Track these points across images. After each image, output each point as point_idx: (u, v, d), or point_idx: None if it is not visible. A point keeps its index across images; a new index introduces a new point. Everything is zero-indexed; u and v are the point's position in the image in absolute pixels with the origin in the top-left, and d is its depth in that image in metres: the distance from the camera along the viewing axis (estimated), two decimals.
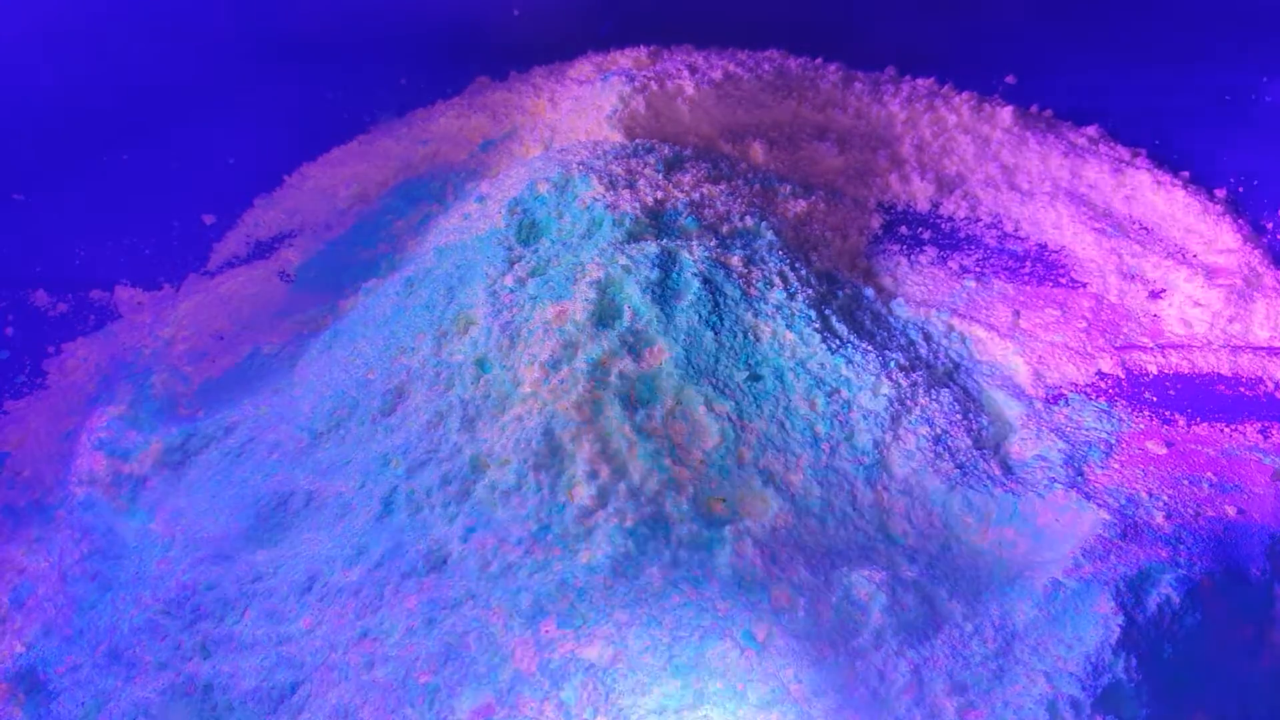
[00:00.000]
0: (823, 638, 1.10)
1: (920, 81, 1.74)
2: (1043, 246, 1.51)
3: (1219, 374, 1.33)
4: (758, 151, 1.61)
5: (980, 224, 1.54)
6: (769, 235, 1.37)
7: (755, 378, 1.23)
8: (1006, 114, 1.66)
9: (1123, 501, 1.16)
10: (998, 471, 1.20)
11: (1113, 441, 1.25)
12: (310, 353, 1.41)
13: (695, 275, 1.27)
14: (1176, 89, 1.71)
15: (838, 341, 1.25)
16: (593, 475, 1.17)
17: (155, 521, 1.25)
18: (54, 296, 1.56)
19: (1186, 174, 1.58)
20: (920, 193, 1.58)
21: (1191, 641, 1.06)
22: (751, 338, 1.24)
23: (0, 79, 1.71)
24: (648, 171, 1.43)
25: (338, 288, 1.54)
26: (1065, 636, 1.07)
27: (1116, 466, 1.21)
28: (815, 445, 1.20)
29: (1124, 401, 1.30)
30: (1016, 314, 1.41)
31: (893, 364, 1.25)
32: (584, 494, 1.16)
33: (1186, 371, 1.34)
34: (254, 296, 1.55)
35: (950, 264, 1.49)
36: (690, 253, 1.29)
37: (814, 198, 1.53)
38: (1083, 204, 1.53)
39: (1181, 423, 1.28)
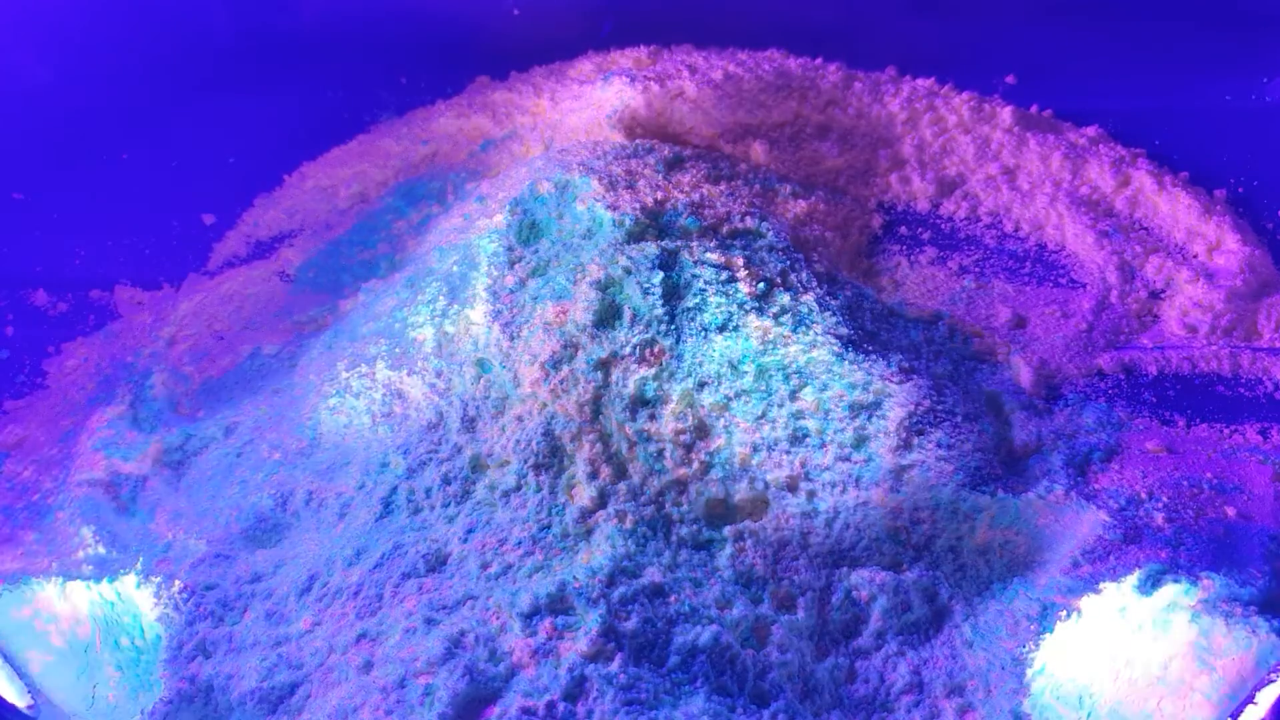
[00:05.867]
0: (823, 638, 1.10)
1: (920, 81, 1.74)
2: (1043, 246, 1.51)
3: (1219, 374, 1.33)
4: (758, 152, 1.61)
5: (980, 224, 1.54)
6: (769, 235, 1.37)
7: (756, 378, 1.23)
8: (1006, 114, 1.66)
9: (1122, 502, 1.16)
10: (998, 472, 1.20)
11: (1113, 442, 1.25)
12: (310, 353, 1.41)
13: (695, 276, 1.27)
14: (1176, 89, 1.71)
15: (838, 342, 1.25)
16: (593, 476, 1.17)
17: (155, 521, 1.25)
18: (54, 296, 1.56)
19: (1186, 174, 1.58)
20: (920, 193, 1.58)
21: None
22: (752, 338, 1.24)
23: (0, 79, 1.71)
24: (648, 172, 1.43)
25: (338, 288, 1.55)
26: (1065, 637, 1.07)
27: (1116, 467, 1.21)
28: (816, 445, 1.21)
29: (1124, 402, 1.30)
30: (1016, 314, 1.41)
31: (893, 364, 1.25)
32: (584, 494, 1.16)
33: (1186, 372, 1.34)
34: (254, 296, 1.55)
35: (950, 264, 1.49)
36: (690, 253, 1.29)
37: (814, 198, 1.53)
38: (1083, 204, 1.53)
39: (1181, 423, 1.28)
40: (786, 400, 1.22)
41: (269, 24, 1.83)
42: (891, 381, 1.23)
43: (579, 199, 1.36)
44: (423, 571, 1.11)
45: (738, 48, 1.80)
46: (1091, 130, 1.67)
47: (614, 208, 1.33)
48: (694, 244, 1.30)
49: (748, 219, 1.38)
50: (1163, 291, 1.43)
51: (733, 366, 1.23)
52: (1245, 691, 0.99)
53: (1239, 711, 0.98)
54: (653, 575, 1.09)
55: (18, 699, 1.08)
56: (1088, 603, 1.07)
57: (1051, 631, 1.07)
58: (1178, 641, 1.03)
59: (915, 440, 1.20)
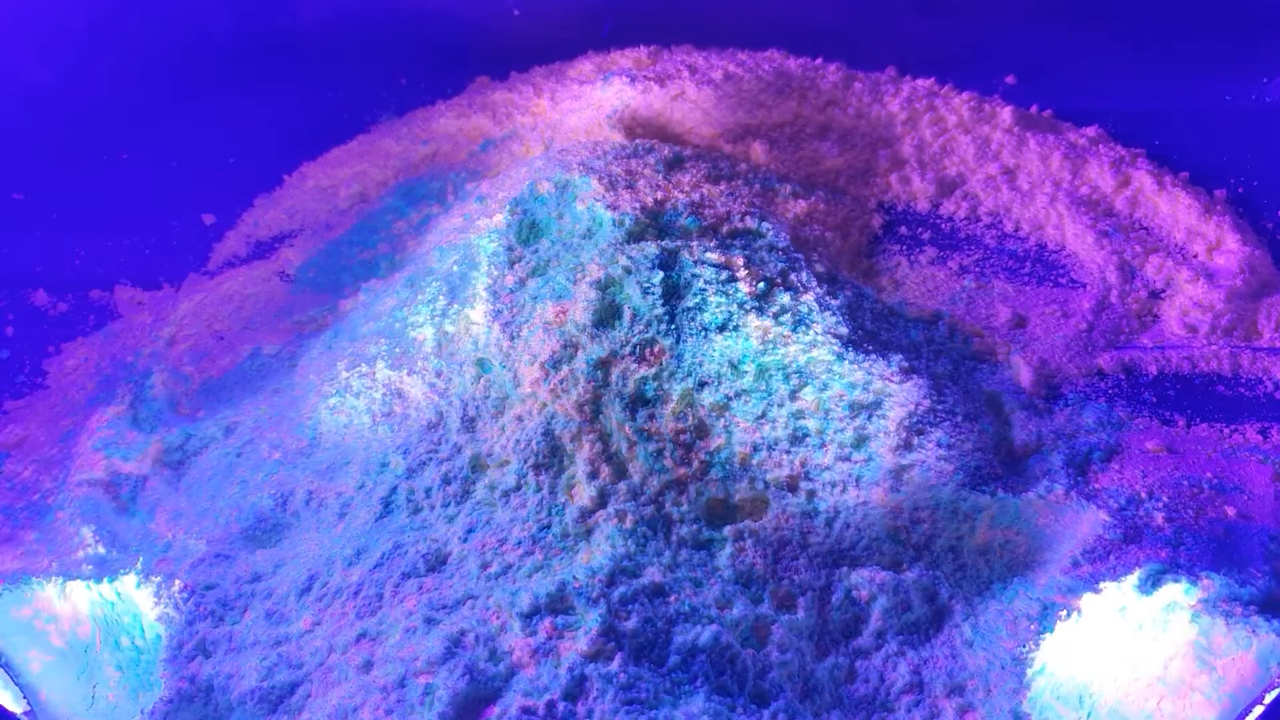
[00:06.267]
0: (823, 637, 1.10)
1: (920, 81, 1.74)
2: (1043, 246, 1.51)
3: (1219, 374, 1.33)
4: (758, 151, 1.61)
5: (980, 224, 1.54)
6: (769, 235, 1.37)
7: (756, 378, 1.23)
8: (1006, 114, 1.66)
9: (1123, 502, 1.16)
10: (998, 472, 1.20)
11: (1113, 442, 1.25)
12: (310, 353, 1.41)
13: (695, 275, 1.27)
14: (1176, 89, 1.71)
15: (838, 341, 1.25)
16: (593, 475, 1.17)
17: (155, 521, 1.25)
18: (54, 296, 1.56)
19: (1186, 174, 1.58)
20: (920, 193, 1.58)
21: None
22: (752, 338, 1.24)
23: (0, 79, 1.71)
24: (648, 171, 1.43)
25: (338, 288, 1.55)
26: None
27: (1116, 467, 1.21)
28: (816, 445, 1.21)
29: (1124, 402, 1.30)
30: (1016, 314, 1.41)
31: (893, 364, 1.25)
32: (584, 494, 1.16)
33: (1186, 371, 1.34)
34: (254, 296, 1.55)
35: (950, 264, 1.49)
36: (690, 253, 1.29)
37: (814, 198, 1.53)
38: (1083, 204, 1.53)
39: (1181, 423, 1.28)
40: (786, 400, 1.22)
41: (269, 24, 1.83)
42: (891, 381, 1.23)
43: (579, 199, 1.36)
44: (423, 571, 1.11)
45: (738, 48, 1.80)
46: (1091, 130, 1.67)
47: (614, 207, 1.33)
48: (694, 244, 1.30)
49: (748, 219, 1.38)
50: (1163, 291, 1.43)
51: (733, 366, 1.23)
52: (1249, 693, 0.99)
53: (1245, 713, 0.98)
54: (653, 575, 1.09)
55: (14, 704, 1.08)
56: (1088, 602, 1.07)
57: (1051, 631, 1.07)
58: (1178, 641, 1.03)
59: (915, 440, 1.20)
